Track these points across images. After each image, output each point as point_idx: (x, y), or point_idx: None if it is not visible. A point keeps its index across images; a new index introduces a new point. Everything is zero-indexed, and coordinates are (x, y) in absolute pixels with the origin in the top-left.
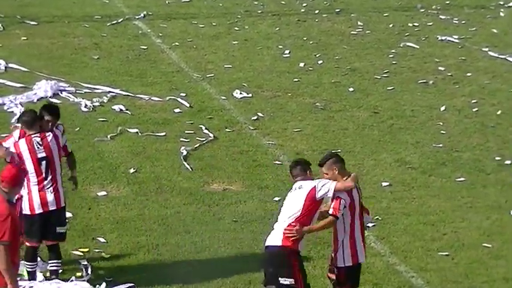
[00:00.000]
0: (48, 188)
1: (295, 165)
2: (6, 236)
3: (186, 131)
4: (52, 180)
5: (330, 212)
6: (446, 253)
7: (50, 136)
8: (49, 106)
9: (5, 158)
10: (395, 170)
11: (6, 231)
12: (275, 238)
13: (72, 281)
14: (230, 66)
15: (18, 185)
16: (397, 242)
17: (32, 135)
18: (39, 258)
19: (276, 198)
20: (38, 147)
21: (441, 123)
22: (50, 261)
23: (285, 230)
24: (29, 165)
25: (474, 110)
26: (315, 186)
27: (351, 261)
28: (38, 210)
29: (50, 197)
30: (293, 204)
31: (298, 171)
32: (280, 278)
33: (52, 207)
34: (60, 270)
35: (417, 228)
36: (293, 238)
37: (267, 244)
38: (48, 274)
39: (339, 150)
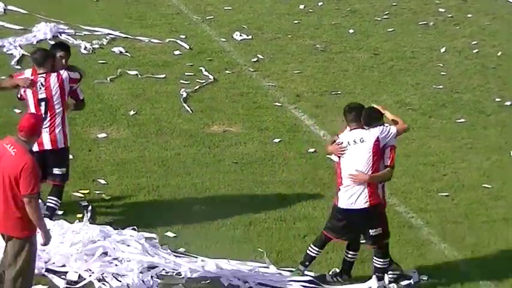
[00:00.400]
0: (45, 128)
1: (350, 110)
2: (36, 188)
3: (186, 73)
4: (50, 120)
5: (388, 163)
6: (446, 194)
7: (53, 77)
8: (59, 43)
9: (22, 84)
10: (395, 112)
11: (36, 184)
12: (360, 201)
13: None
14: (230, 8)
15: (36, 134)
16: (397, 183)
17: (39, 75)
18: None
19: (276, 140)
20: (39, 88)
21: (441, 65)
22: (48, 198)
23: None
24: (30, 105)
25: (474, 51)
26: (378, 137)
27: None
28: (35, 148)
29: (45, 137)
30: (360, 160)
31: (352, 117)
32: (370, 230)
33: (47, 147)
34: (60, 212)
35: (417, 169)
36: (374, 193)
37: (349, 207)
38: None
39: (339, 92)
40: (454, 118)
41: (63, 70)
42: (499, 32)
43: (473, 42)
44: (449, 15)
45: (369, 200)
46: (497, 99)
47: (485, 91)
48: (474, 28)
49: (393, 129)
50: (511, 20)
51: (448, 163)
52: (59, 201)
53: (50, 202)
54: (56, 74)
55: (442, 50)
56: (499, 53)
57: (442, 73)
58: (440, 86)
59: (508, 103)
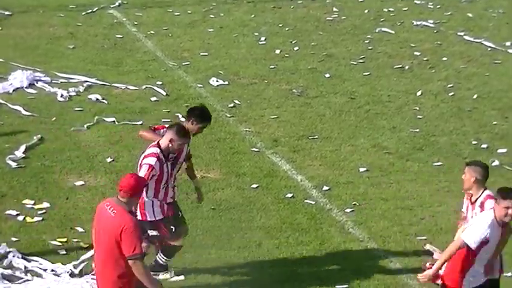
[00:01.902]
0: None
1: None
2: (138, 248)
3: (163, 119)
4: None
5: None
6: (425, 237)
7: None
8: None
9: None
10: (372, 155)
11: (138, 244)
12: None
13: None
14: (206, 53)
15: (136, 195)
16: (375, 227)
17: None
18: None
19: (254, 186)
20: None
21: (417, 108)
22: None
23: None
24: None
25: (450, 94)
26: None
27: None
28: None
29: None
30: None
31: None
32: None
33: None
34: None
35: (395, 213)
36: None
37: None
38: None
39: (316, 137)
40: (431, 161)
41: None
42: (474, 74)
43: (449, 85)
44: (425, 59)
45: None
46: (474, 142)
47: (461, 134)
48: (450, 71)
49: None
50: (486, 63)
51: (425, 207)
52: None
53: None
54: None
55: (418, 93)
56: (475, 96)
57: (419, 116)
58: (417, 130)
59: (484, 146)
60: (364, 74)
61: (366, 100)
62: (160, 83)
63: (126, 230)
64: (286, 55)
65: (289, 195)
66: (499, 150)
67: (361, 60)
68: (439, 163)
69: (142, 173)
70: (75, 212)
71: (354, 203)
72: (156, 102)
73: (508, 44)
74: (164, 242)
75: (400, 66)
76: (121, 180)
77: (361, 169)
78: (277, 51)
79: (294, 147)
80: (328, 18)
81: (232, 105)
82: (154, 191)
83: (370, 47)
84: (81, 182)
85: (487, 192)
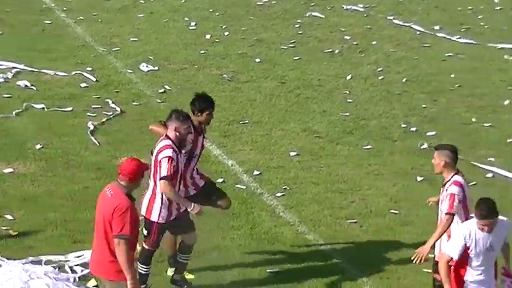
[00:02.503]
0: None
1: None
2: (126, 230)
3: (93, 106)
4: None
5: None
6: (355, 220)
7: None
8: None
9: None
10: (303, 140)
11: (126, 226)
12: None
13: None
14: (136, 39)
15: (135, 180)
16: (306, 210)
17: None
18: None
19: None
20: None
21: (348, 92)
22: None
23: None
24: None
25: (380, 78)
26: None
27: None
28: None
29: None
30: None
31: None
32: None
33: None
34: None
35: (325, 196)
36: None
37: None
38: None
39: (247, 121)
40: (361, 145)
41: None
42: (403, 58)
43: (379, 69)
44: (355, 43)
45: None
46: (403, 125)
47: (391, 117)
48: (379, 55)
49: None
50: (415, 47)
51: (355, 190)
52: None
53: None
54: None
55: (348, 77)
56: (404, 79)
57: (349, 100)
58: (347, 113)
59: (413, 129)
60: (295, 58)
61: (296, 84)
62: (90, 69)
63: (117, 210)
64: (216, 40)
65: (220, 180)
66: (428, 133)
67: (291, 45)
68: (369, 146)
69: (164, 168)
70: (4, 200)
71: (284, 187)
72: (85, 88)
73: (436, 27)
74: (143, 242)
75: (330, 50)
76: (122, 163)
77: (292, 153)
78: (208, 36)
79: (225, 132)
80: (258, 3)
81: (162, 90)
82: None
83: (300, 32)
84: (10, 170)
85: (456, 177)
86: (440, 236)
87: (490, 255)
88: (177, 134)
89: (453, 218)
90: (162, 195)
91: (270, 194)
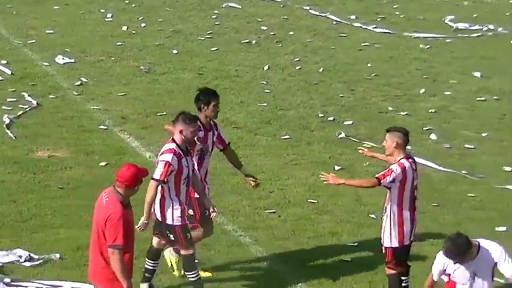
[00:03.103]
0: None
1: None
2: (119, 240)
3: (9, 99)
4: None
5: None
6: (273, 211)
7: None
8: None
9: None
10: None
11: (119, 235)
12: None
13: None
14: (52, 31)
15: (132, 187)
16: (225, 201)
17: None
18: None
19: (103, 163)
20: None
21: (265, 82)
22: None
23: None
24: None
25: (297, 68)
26: None
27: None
28: None
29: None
30: None
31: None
32: None
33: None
34: None
35: (244, 187)
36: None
37: None
38: None
39: (165, 113)
40: (279, 135)
41: None
42: (320, 48)
43: (296, 59)
44: (272, 33)
45: None
46: (321, 115)
47: (308, 107)
48: (296, 45)
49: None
50: (332, 36)
51: (274, 180)
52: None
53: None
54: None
55: (266, 67)
56: (321, 69)
57: (266, 90)
58: (265, 104)
59: (330, 118)
60: (212, 49)
61: (214, 75)
62: (5, 62)
63: (110, 219)
64: (133, 32)
65: None
66: (345, 122)
67: (208, 36)
68: (287, 136)
69: (158, 170)
70: None
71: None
72: (0, 81)
73: (353, 17)
74: (176, 247)
75: (248, 41)
76: (119, 169)
77: None
78: (124, 28)
79: (143, 124)
80: None
81: (79, 83)
82: (175, 189)
83: (217, 23)
84: None
85: (402, 160)
86: (353, 185)
87: (476, 283)
88: (183, 137)
89: (377, 183)
90: (169, 192)
91: None
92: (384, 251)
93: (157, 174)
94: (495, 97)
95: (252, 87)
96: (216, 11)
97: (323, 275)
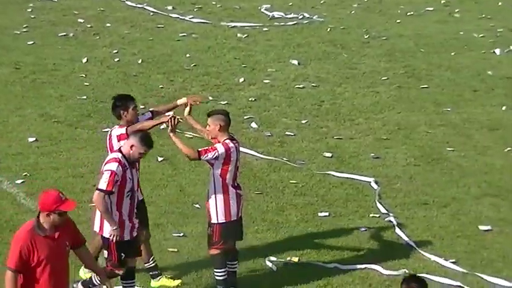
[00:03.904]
0: None
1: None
2: (12, 263)
3: None
4: None
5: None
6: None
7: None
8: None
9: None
10: (41, 125)
11: (12, 259)
12: None
13: None
14: None
15: (44, 211)
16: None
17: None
18: None
19: None
20: None
21: (84, 75)
22: None
23: None
24: None
25: (116, 60)
26: None
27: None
28: None
29: None
30: None
31: None
32: None
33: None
34: None
35: (67, 181)
36: None
37: None
38: None
39: None
40: (100, 128)
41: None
42: (138, 39)
43: (114, 51)
44: (89, 26)
45: None
46: (141, 107)
47: None
48: (114, 37)
49: None
50: (149, 28)
51: (96, 173)
52: None
53: None
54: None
55: (84, 60)
56: (140, 61)
57: (86, 83)
58: (84, 97)
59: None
60: (29, 43)
61: (32, 69)
62: None
63: (12, 241)
64: None
65: None
66: (166, 113)
67: (24, 30)
68: (108, 129)
69: (103, 180)
70: None
71: (24, 173)
72: None
73: (169, 8)
74: (108, 265)
75: (65, 34)
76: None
77: (30, 139)
78: None
79: None
80: None
81: None
82: (116, 203)
83: (32, 16)
84: None
85: (227, 141)
86: (176, 145)
87: None
88: (131, 153)
89: (197, 157)
90: (113, 210)
91: (9, 181)
92: (211, 232)
93: (102, 185)
94: (313, 84)
95: (71, 81)
96: (31, 4)
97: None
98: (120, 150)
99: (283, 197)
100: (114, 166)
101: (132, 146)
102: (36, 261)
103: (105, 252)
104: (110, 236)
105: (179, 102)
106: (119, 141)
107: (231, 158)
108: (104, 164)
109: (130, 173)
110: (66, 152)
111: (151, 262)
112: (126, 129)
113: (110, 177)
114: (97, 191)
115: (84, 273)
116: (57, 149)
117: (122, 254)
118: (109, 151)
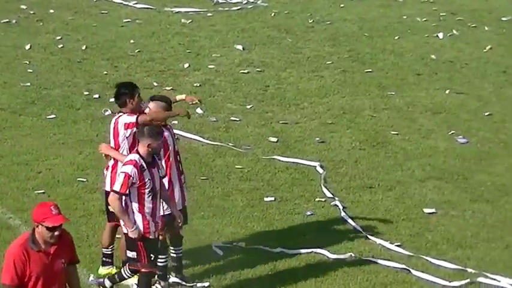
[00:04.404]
0: None
1: None
2: (4, 278)
3: None
4: None
5: None
6: (43, 191)
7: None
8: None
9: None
10: None
11: (5, 274)
12: None
13: None
14: None
15: (35, 222)
16: None
17: None
18: None
19: None
20: None
21: (27, 62)
22: None
23: None
24: None
25: (60, 46)
26: None
27: None
28: None
29: None
30: None
31: None
32: None
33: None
34: None
35: (11, 169)
36: None
37: None
38: None
39: None
40: (44, 115)
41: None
42: (82, 26)
43: (58, 38)
44: (32, 12)
45: None
46: (86, 93)
47: (73, 86)
48: (57, 23)
49: None
50: (93, 14)
51: (41, 160)
52: None
53: None
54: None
55: (27, 47)
56: (84, 47)
57: (29, 70)
58: (28, 84)
59: (96, 96)
60: None
61: None
62: None
63: (5, 256)
64: None
65: None
66: (111, 100)
67: None
68: (53, 116)
69: (118, 182)
70: None
71: None
72: None
73: None
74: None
75: (7, 20)
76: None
77: None
78: None
79: None
80: None
81: None
82: (138, 203)
83: None
84: None
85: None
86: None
87: None
88: (150, 149)
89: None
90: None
91: None
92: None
93: (117, 186)
94: (257, 69)
95: (14, 68)
96: None
97: (97, 253)
98: (137, 152)
99: (229, 183)
100: (128, 168)
101: (149, 145)
102: (27, 276)
103: (130, 253)
104: (132, 236)
105: (178, 98)
106: (126, 129)
107: (169, 144)
108: (122, 165)
109: (149, 174)
110: (11, 140)
111: (109, 250)
112: (137, 118)
113: (123, 179)
114: (112, 193)
115: (102, 271)
116: (1, 137)
117: (151, 255)
118: (112, 139)
